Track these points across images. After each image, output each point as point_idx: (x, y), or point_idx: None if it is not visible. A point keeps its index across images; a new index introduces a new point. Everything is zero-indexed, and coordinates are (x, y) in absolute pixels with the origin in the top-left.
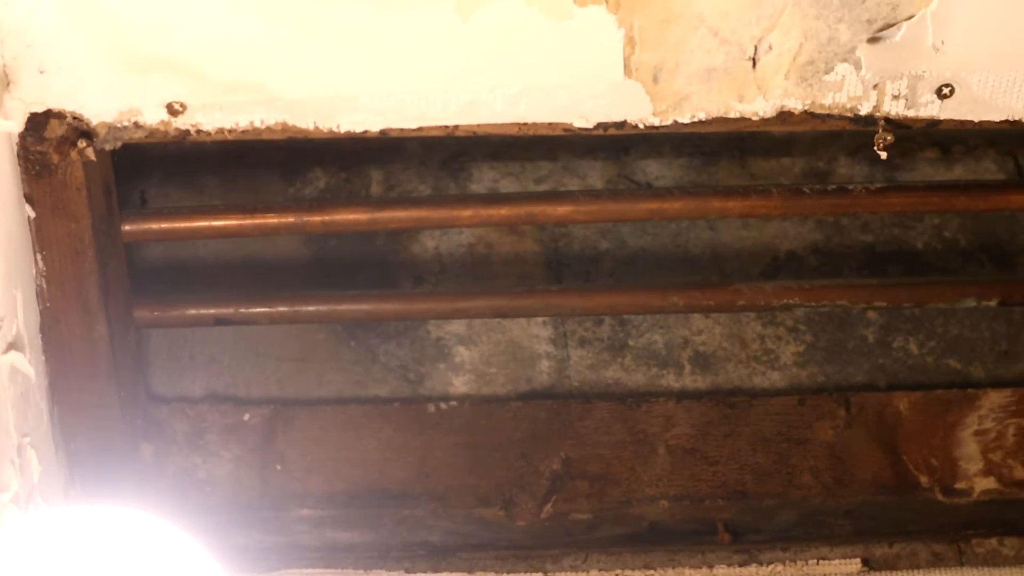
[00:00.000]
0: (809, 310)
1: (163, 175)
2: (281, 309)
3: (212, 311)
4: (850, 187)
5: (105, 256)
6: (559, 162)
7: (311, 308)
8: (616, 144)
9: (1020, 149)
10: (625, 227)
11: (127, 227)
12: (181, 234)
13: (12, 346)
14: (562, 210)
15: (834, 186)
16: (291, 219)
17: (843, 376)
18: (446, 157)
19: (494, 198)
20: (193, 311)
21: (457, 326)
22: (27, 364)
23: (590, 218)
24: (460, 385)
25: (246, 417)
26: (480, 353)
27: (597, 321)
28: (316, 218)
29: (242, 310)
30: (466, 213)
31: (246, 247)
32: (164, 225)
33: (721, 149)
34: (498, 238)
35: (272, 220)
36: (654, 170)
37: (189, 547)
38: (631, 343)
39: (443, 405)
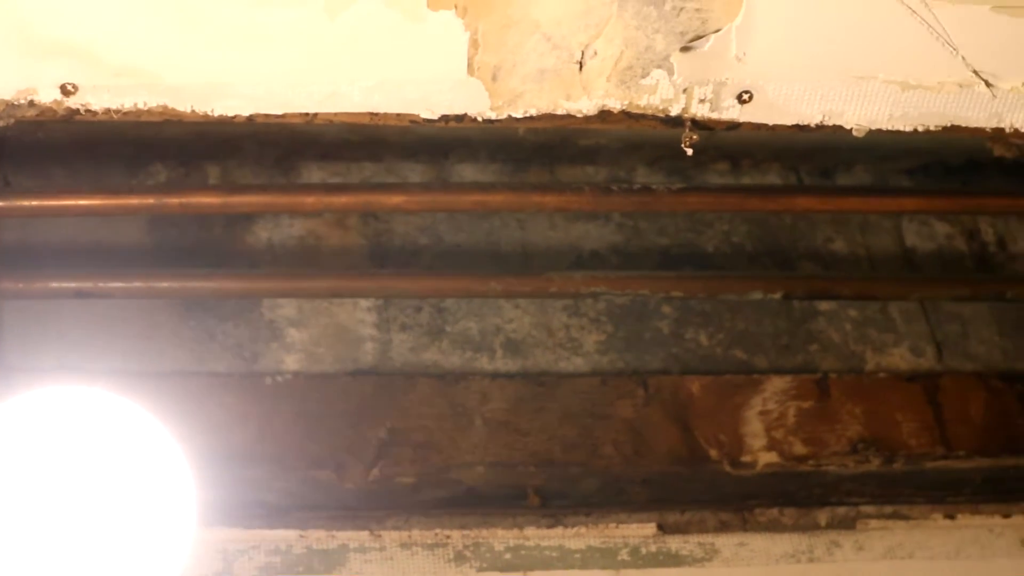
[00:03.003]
0: (610, 304)
1: (15, 165)
2: (136, 284)
3: (72, 284)
4: (654, 187)
5: None
6: (383, 164)
7: (164, 284)
8: (436, 149)
9: (802, 164)
10: (442, 224)
11: None
12: (49, 211)
13: None
14: (396, 199)
15: (639, 185)
16: (151, 200)
17: (641, 363)
18: (279, 156)
19: (335, 187)
20: (55, 284)
21: (288, 310)
22: None
23: (421, 207)
24: (292, 363)
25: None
26: (310, 335)
27: (417, 308)
28: (174, 200)
29: (100, 284)
30: (309, 199)
31: (95, 233)
32: (33, 203)
33: (532, 156)
34: (327, 231)
35: (134, 201)
36: (470, 174)
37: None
38: (448, 329)
39: (279, 378)
